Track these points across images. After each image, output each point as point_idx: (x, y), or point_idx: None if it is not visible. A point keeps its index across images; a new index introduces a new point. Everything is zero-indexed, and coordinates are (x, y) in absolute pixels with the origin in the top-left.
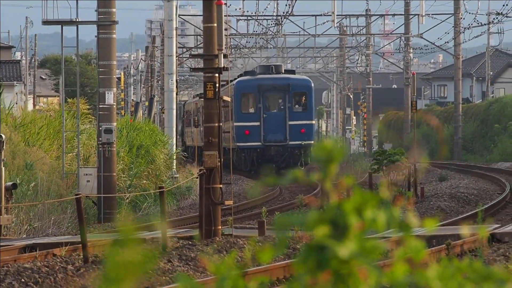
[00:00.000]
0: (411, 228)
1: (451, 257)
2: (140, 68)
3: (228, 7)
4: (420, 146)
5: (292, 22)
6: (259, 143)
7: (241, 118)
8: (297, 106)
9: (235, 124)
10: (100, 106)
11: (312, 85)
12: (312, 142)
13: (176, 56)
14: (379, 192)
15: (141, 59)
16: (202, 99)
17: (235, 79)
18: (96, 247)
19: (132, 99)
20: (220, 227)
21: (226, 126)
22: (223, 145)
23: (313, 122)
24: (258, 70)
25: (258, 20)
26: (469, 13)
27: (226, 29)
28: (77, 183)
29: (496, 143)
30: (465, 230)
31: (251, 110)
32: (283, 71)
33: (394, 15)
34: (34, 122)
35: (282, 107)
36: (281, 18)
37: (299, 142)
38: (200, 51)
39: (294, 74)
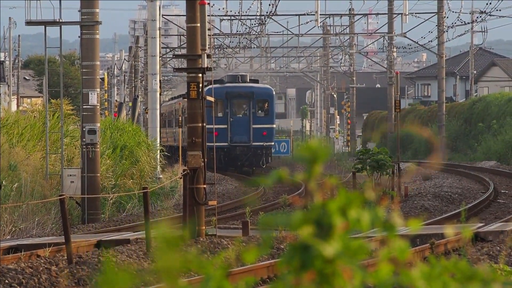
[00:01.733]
0: (395, 228)
1: (437, 256)
2: (123, 68)
3: (212, 7)
4: (404, 146)
5: (276, 21)
6: (226, 144)
7: (211, 121)
8: (260, 111)
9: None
10: (84, 106)
11: (274, 93)
12: (273, 143)
13: (160, 57)
14: (363, 191)
15: (124, 59)
16: (186, 99)
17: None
18: (80, 247)
19: (116, 100)
20: (204, 227)
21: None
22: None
23: (274, 126)
24: (226, 79)
25: (241, 20)
26: (453, 11)
27: (209, 29)
28: (61, 184)
29: (480, 142)
30: (449, 229)
31: (220, 115)
32: (248, 80)
33: (377, 14)
34: (18, 122)
35: (246, 112)
36: (265, 18)
37: (261, 143)
38: (184, 51)
39: (258, 83)
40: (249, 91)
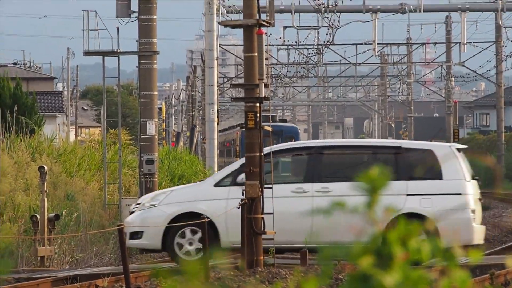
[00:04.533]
0: (455, 257)
1: (497, 287)
2: (181, 98)
3: (269, 36)
4: None
5: (333, 51)
6: None
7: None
8: None
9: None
10: (142, 136)
11: (299, 131)
12: None
13: (217, 86)
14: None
15: (182, 89)
16: (243, 129)
17: (241, 126)
18: (138, 277)
19: (174, 129)
20: (262, 257)
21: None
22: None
23: None
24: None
25: (299, 49)
26: (511, 41)
27: (267, 59)
28: (119, 213)
29: None
30: (509, 259)
31: None
32: (278, 120)
33: (435, 43)
34: (75, 152)
35: None
36: (322, 47)
37: None
38: (241, 80)
39: (286, 122)
40: (278, 129)
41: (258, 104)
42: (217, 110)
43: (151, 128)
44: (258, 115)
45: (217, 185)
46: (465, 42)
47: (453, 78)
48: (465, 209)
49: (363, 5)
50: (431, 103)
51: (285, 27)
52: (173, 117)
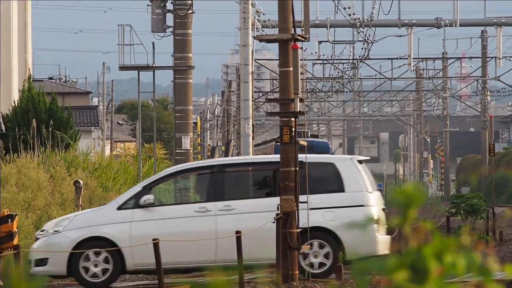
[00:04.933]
0: (491, 272)
1: None
2: (216, 112)
3: (304, 51)
4: (498, 190)
5: (368, 65)
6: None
7: None
8: None
9: None
10: (177, 151)
11: (330, 146)
12: None
13: (252, 101)
14: (458, 236)
15: (217, 103)
16: (278, 143)
17: (276, 140)
18: None
19: (209, 144)
20: (297, 272)
21: None
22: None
23: None
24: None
25: (334, 64)
26: None
27: (302, 73)
28: None
29: None
30: None
31: None
32: (310, 136)
33: (471, 58)
34: (110, 167)
35: None
36: (357, 62)
37: None
38: (276, 95)
39: (317, 137)
40: (310, 145)
41: (293, 119)
42: (252, 124)
43: (186, 143)
44: (293, 129)
45: (120, 208)
46: (500, 57)
47: (488, 93)
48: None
49: (398, 19)
50: (466, 118)
51: (320, 42)
52: (208, 131)
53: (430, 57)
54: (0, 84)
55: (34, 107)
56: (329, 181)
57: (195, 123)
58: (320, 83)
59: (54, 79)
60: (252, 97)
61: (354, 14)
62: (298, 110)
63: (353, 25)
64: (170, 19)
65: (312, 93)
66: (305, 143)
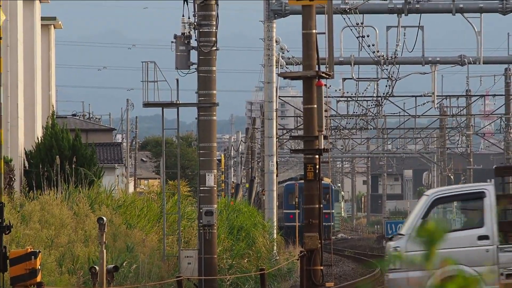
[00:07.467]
0: None
1: None
2: (240, 149)
3: (328, 88)
4: None
5: (392, 102)
6: (299, 223)
7: (288, 207)
8: (323, 200)
9: (284, 211)
10: (201, 188)
11: (333, 187)
12: (332, 223)
13: (276, 138)
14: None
15: (241, 140)
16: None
17: (285, 181)
18: None
19: (233, 181)
20: None
21: (279, 211)
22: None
23: (333, 211)
24: (298, 176)
25: (358, 101)
26: None
27: (326, 110)
28: (178, 265)
29: None
30: None
31: (293, 203)
32: None
33: (494, 95)
34: (135, 204)
35: None
36: (381, 99)
37: (324, 223)
38: (300, 132)
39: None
40: None
41: (317, 156)
42: (276, 161)
43: (210, 180)
44: (317, 166)
45: None
46: None
47: None
48: None
49: (422, 57)
50: (490, 155)
51: (344, 79)
52: (232, 168)
53: (454, 94)
54: (24, 121)
55: (57, 144)
56: None
57: (219, 160)
58: (344, 120)
59: (77, 115)
60: (276, 134)
61: (378, 52)
62: (322, 147)
63: (377, 62)
64: (194, 55)
65: (336, 130)
66: (329, 180)
